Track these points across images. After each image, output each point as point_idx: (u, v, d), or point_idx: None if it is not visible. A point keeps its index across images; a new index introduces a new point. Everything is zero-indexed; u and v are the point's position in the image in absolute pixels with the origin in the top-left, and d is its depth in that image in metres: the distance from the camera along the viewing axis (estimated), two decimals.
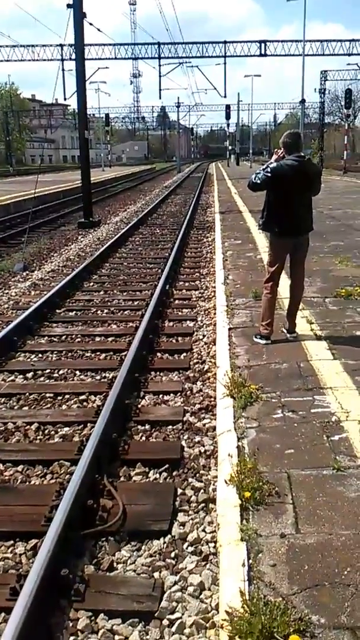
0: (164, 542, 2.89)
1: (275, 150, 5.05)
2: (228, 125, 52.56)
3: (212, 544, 2.82)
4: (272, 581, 2.26)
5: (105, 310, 7.39)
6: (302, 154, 4.84)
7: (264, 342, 5.05)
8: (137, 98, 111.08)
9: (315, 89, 53.15)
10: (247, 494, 2.77)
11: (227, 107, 46.92)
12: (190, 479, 3.56)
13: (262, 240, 10.24)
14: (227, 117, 46.00)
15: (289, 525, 2.61)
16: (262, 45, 37.09)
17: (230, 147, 49.42)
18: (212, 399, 4.48)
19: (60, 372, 5.33)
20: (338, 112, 63.16)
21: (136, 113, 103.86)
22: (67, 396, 4.80)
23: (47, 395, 4.78)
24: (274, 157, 4.96)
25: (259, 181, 4.84)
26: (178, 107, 58.45)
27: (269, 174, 4.77)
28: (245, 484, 2.85)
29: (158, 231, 15.35)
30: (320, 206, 15.91)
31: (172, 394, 4.88)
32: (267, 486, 2.86)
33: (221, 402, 3.99)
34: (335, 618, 2.07)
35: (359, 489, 2.84)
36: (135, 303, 7.76)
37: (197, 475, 3.59)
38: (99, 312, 7.36)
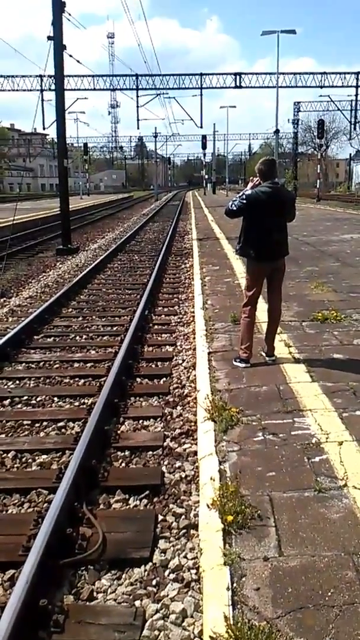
0: (145, 570, 2.84)
1: (251, 178, 5.17)
2: (204, 154, 53.63)
3: (193, 571, 2.77)
4: (256, 605, 2.23)
5: (84, 336, 7.35)
6: (277, 181, 4.96)
7: (243, 365, 5.08)
8: (115, 128, 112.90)
9: (288, 120, 54.78)
10: (230, 518, 2.75)
11: (204, 137, 47.86)
12: (171, 505, 3.53)
13: (239, 266, 10.37)
14: (204, 147, 46.89)
15: (272, 548, 2.58)
16: (237, 77, 38.16)
17: (206, 176, 50.38)
18: (193, 424, 4.46)
19: (38, 398, 5.26)
20: (311, 142, 64.97)
21: (114, 143, 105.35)
22: (45, 423, 4.72)
23: (25, 422, 4.70)
24: (250, 184, 5.07)
25: (235, 208, 4.94)
26: (155, 137, 59.61)
27: (245, 201, 4.87)
28: (228, 507, 2.83)
29: (137, 257, 15.43)
30: (295, 233, 16.23)
31: (152, 419, 4.85)
32: (249, 509, 2.84)
33: (202, 426, 3.98)
34: None
35: (340, 510, 2.83)
36: (114, 328, 7.74)
37: (178, 501, 3.55)
38: (77, 337, 7.31)
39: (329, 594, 2.27)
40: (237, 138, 77.43)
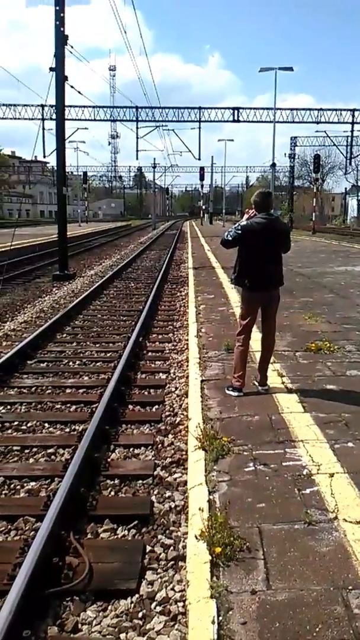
0: (132, 602, 2.78)
1: (247, 210, 5.27)
2: (202, 185, 54.48)
3: (180, 603, 2.72)
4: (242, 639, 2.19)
5: (78, 362, 7.33)
6: (272, 213, 5.05)
7: (236, 394, 5.07)
8: (114, 158, 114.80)
9: (285, 154, 55.81)
10: (218, 550, 2.71)
11: (202, 169, 48.82)
12: (159, 536, 3.48)
13: (234, 295, 10.44)
14: (201, 178, 47.77)
15: (260, 581, 2.55)
16: (235, 111, 39.15)
17: (204, 207, 51.12)
18: (184, 452, 4.43)
19: (29, 424, 5.22)
20: (307, 176, 66.27)
21: (113, 172, 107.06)
22: (34, 449, 4.68)
23: (14, 448, 4.65)
24: (246, 216, 5.17)
25: (230, 238, 5.02)
26: (154, 167, 60.49)
27: (240, 231, 4.96)
28: (216, 539, 2.80)
29: (132, 285, 15.51)
30: (290, 264, 16.38)
31: (142, 447, 4.82)
32: (238, 541, 2.81)
33: (193, 455, 3.95)
34: None
35: (330, 543, 2.80)
36: (108, 355, 7.73)
37: (167, 531, 3.51)
38: (70, 363, 7.30)
39: (317, 629, 2.23)
40: (235, 170, 78.89)
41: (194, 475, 3.66)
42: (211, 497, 3.30)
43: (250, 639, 2.20)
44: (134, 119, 40.47)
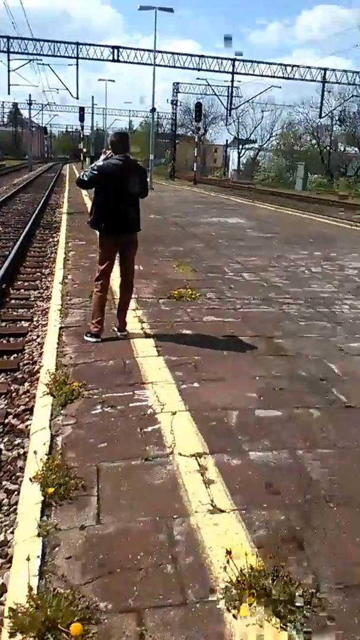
0: None
1: (104, 150, 5.10)
2: (82, 127, 51.93)
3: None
4: (65, 574, 2.23)
5: None
6: (128, 155, 4.93)
7: (93, 340, 5.03)
8: None
9: (167, 100, 54.88)
10: (51, 490, 2.71)
11: (81, 109, 46.15)
12: (4, 482, 3.48)
13: None
14: (81, 119, 45.22)
15: (91, 517, 2.60)
16: (116, 50, 37.43)
17: (84, 150, 48.95)
18: None
19: None
20: (190, 125, 65.94)
21: None
22: None
23: None
24: (102, 156, 5.00)
25: (85, 178, 4.85)
26: (30, 104, 56.66)
27: (95, 172, 4.80)
28: (51, 480, 2.79)
29: (0, 229, 14.64)
30: (166, 213, 16.46)
31: None
32: (74, 481, 2.83)
33: (40, 401, 3.88)
34: (122, 602, 2.10)
35: (162, 476, 2.93)
36: None
37: (13, 477, 3.50)
38: None
39: (139, 557, 2.34)
40: (118, 113, 76.18)
41: (38, 420, 3.61)
42: (54, 440, 3.28)
43: (72, 572, 2.24)
44: (5, 50, 37.11)
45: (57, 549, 2.38)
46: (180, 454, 3.13)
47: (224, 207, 20.53)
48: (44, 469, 2.87)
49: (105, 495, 2.76)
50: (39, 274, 9.71)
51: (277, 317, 6.05)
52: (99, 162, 4.89)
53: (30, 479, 2.84)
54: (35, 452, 2.94)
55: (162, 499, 2.75)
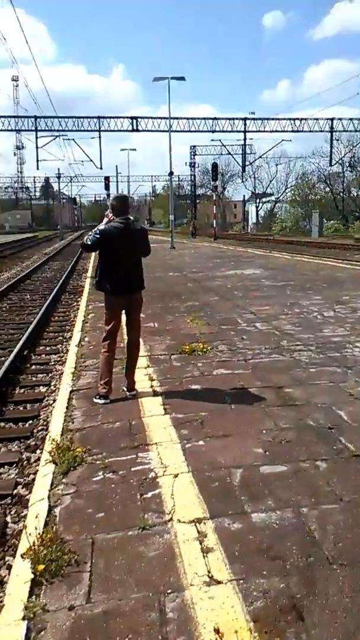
0: None
1: (106, 213, 5.23)
2: (108, 195, 54.14)
3: None
4: None
5: None
6: (129, 217, 5.04)
7: (102, 402, 4.99)
8: (21, 169, 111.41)
9: (186, 163, 56.84)
10: (41, 567, 2.60)
11: (106, 178, 48.31)
12: (7, 557, 3.36)
13: None
14: (107, 188, 47.21)
15: (81, 595, 2.46)
16: (134, 121, 39.31)
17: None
18: None
19: None
20: (209, 184, 67.86)
21: (20, 183, 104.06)
22: None
23: None
24: (105, 219, 5.12)
25: (89, 242, 4.95)
26: (59, 177, 59.51)
27: (98, 235, 4.90)
28: (42, 555, 2.68)
29: (28, 297, 15.08)
30: (185, 269, 16.68)
31: (6, 466, 4.66)
32: (67, 556, 2.71)
33: (42, 470, 3.81)
34: None
35: (159, 547, 2.78)
36: None
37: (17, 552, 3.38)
38: None
39: (126, 639, 2.18)
40: (141, 180, 79.27)
41: (37, 491, 3.52)
42: (53, 512, 3.18)
43: None
44: (33, 128, 39.57)
45: (42, 632, 2.25)
46: (179, 521, 2.98)
47: (241, 260, 20.65)
48: (37, 544, 2.76)
49: (98, 570, 2.63)
50: (60, 337, 9.84)
51: (288, 365, 5.90)
52: (101, 226, 5.00)
53: (22, 555, 2.73)
54: (25, 526, 2.85)
55: (156, 571, 2.59)
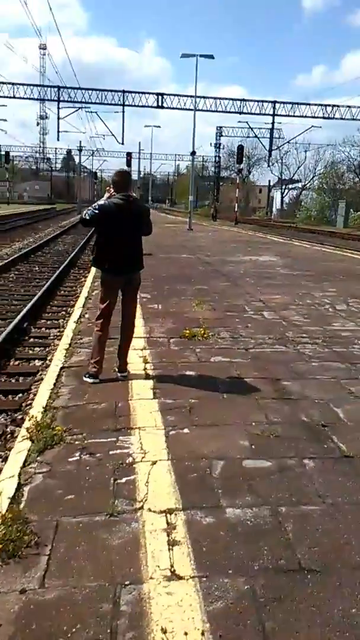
0: None
1: (107, 188, 5.05)
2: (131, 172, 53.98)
3: None
4: None
5: None
6: (130, 194, 4.86)
7: (91, 380, 4.87)
8: (43, 139, 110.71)
9: (211, 144, 56.09)
10: None
11: (129, 154, 47.89)
12: None
13: None
14: (128, 164, 46.78)
15: (35, 579, 2.37)
16: (160, 97, 38.74)
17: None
18: None
19: None
20: (234, 167, 66.94)
21: (42, 153, 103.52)
22: None
23: None
24: (106, 195, 4.95)
25: (87, 217, 4.79)
26: (80, 150, 59.12)
27: (97, 211, 4.73)
28: (1, 535, 2.59)
29: (37, 269, 15.00)
30: (200, 252, 16.45)
31: None
32: (28, 537, 2.62)
33: (17, 446, 3.72)
34: None
35: (125, 535, 2.66)
36: None
37: None
38: None
39: (74, 630, 2.08)
40: (164, 158, 78.34)
41: (9, 468, 3.43)
42: (21, 490, 3.09)
43: None
44: (56, 99, 39.17)
45: None
46: (149, 510, 2.87)
47: (259, 246, 20.36)
48: None
49: (57, 554, 2.53)
50: (63, 312, 9.74)
51: (290, 357, 5.73)
52: (101, 202, 4.84)
53: None
54: None
55: (118, 561, 2.49)
